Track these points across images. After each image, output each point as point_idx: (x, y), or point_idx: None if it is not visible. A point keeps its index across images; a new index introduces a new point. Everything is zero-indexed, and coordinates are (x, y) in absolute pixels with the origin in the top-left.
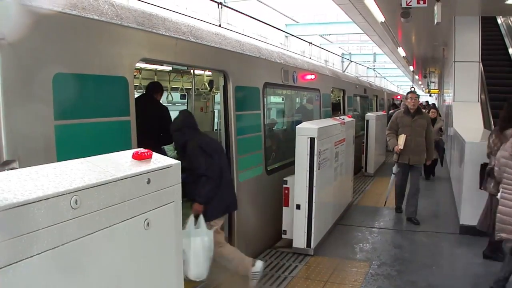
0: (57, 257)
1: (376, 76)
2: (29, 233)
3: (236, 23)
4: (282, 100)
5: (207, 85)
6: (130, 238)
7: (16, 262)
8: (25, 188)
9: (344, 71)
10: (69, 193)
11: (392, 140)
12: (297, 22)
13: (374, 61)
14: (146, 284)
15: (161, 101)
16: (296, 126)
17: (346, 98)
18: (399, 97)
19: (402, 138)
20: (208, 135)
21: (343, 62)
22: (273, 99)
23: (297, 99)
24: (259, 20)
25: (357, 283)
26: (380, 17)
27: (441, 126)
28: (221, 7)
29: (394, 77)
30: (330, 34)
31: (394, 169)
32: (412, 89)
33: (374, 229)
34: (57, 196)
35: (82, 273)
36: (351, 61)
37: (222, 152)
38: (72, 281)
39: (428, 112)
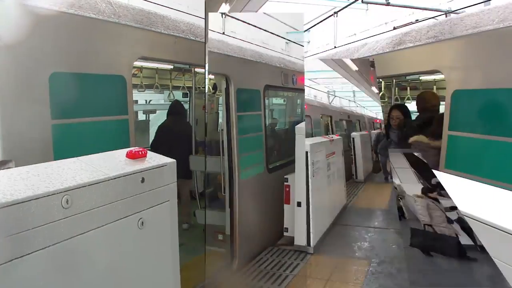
0: (49, 256)
1: (357, 106)
2: (19, 233)
3: (240, 31)
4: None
5: (211, 88)
6: (123, 237)
7: (6, 262)
8: (15, 187)
9: (330, 103)
10: (60, 192)
11: None
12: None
13: (354, 96)
14: (141, 283)
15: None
16: (296, 126)
17: (334, 122)
18: (377, 120)
19: None
20: None
21: (328, 97)
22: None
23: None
24: (261, 29)
25: (359, 281)
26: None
27: None
28: (225, 17)
29: (373, 107)
30: (316, 78)
31: None
32: None
33: (370, 228)
34: (48, 195)
35: (75, 273)
36: (335, 96)
37: None
38: (65, 280)
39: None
